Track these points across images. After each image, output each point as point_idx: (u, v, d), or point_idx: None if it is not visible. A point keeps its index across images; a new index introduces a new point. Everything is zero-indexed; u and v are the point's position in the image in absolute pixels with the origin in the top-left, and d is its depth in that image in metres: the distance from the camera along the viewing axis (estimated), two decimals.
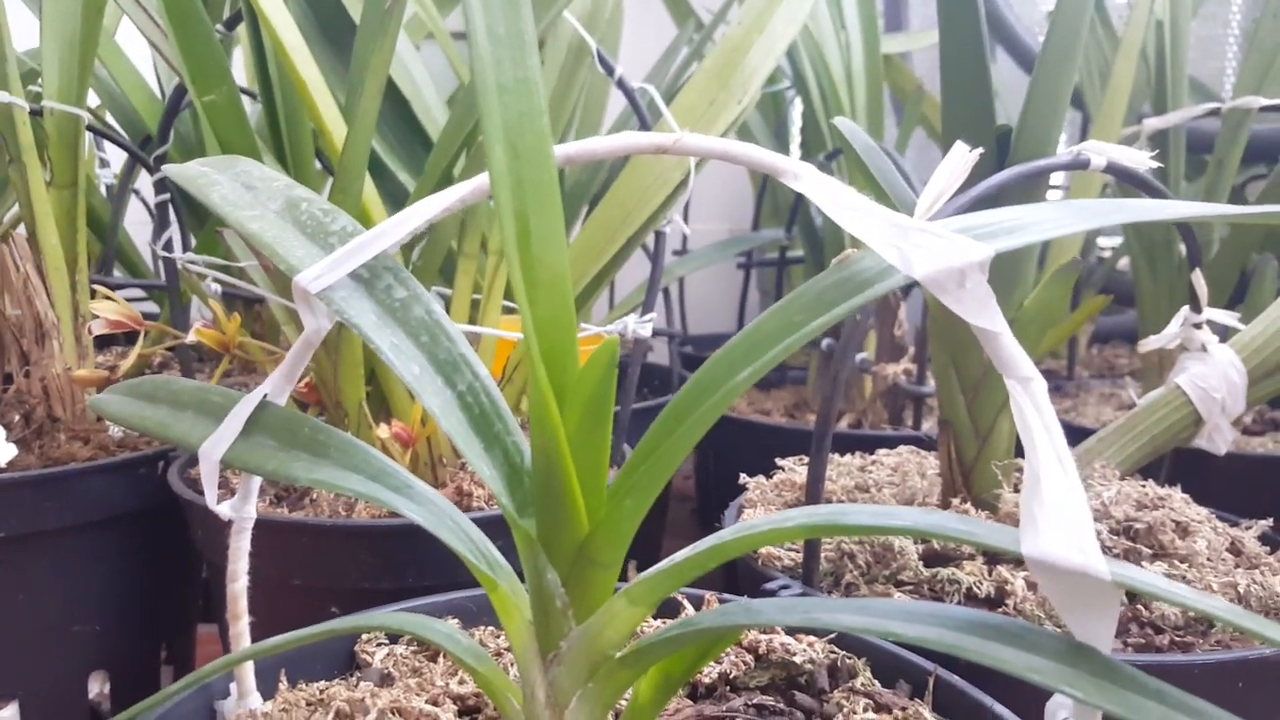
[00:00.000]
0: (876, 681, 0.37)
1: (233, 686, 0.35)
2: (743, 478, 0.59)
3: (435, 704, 0.35)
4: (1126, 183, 0.51)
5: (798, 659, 0.37)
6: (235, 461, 0.29)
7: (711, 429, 0.30)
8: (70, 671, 0.66)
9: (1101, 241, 1.18)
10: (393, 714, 0.33)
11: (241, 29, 0.66)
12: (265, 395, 0.30)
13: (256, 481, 0.32)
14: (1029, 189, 0.49)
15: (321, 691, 0.35)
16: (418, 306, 0.29)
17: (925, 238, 0.27)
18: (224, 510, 0.32)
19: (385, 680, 0.37)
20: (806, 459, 0.61)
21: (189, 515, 0.60)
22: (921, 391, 0.76)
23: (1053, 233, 0.27)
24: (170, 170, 0.37)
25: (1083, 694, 0.23)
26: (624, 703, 0.36)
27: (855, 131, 0.51)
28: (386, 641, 0.41)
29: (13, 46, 0.68)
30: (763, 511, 0.54)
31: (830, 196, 0.29)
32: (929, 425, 0.82)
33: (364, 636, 0.41)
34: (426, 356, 0.29)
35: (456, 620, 0.41)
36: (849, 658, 0.38)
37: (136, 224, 1.18)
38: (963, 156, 0.41)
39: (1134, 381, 1.03)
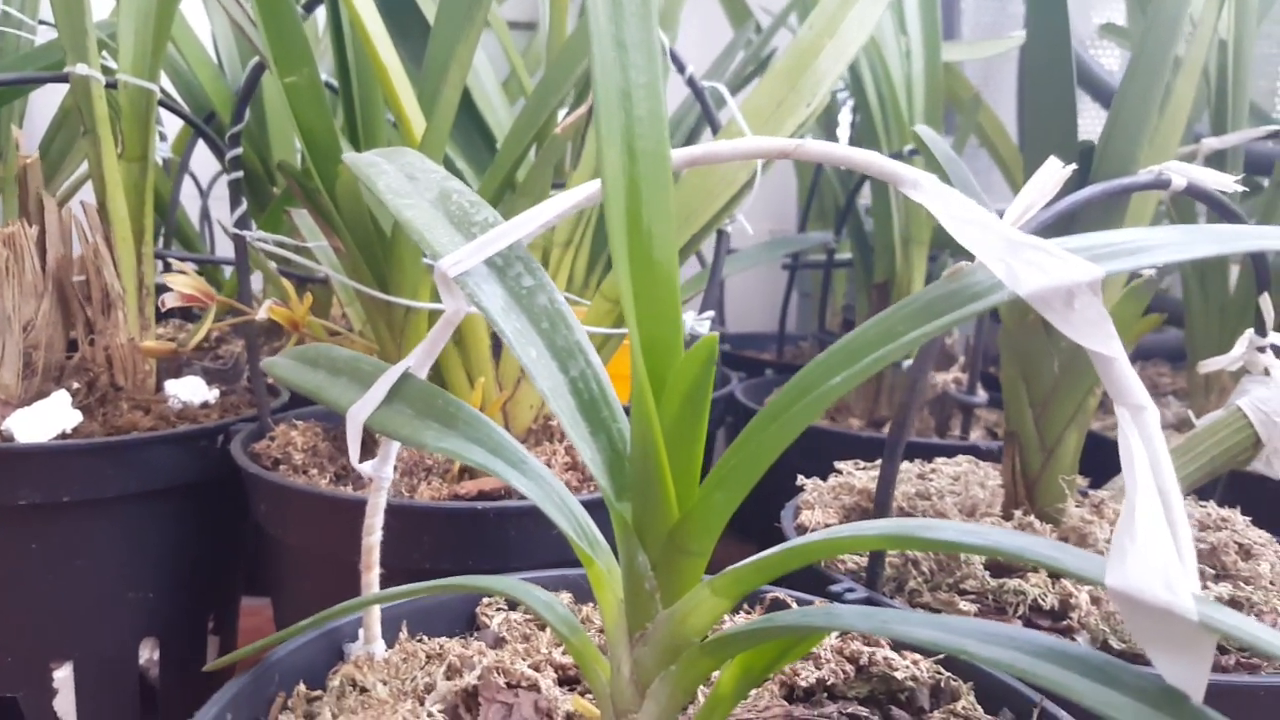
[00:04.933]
0: (979, 707, 0.36)
1: (361, 631, 0.39)
2: (799, 479, 0.59)
3: (536, 669, 0.37)
4: (1206, 204, 0.51)
5: (899, 674, 0.37)
6: (375, 425, 0.31)
7: None
8: (123, 636, 0.67)
9: None
10: (496, 673, 0.35)
11: (320, 14, 0.67)
12: (408, 368, 0.32)
13: (395, 445, 0.34)
14: (1110, 207, 0.49)
15: (441, 646, 0.38)
16: (542, 295, 0.30)
17: (1037, 254, 0.28)
18: (365, 469, 0.35)
19: (498, 643, 0.40)
20: (863, 463, 0.61)
21: (253, 490, 0.61)
22: (972, 401, 0.76)
23: (1176, 256, 0.27)
24: (349, 158, 0.38)
25: None
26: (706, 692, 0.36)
27: (935, 140, 0.51)
28: (505, 607, 0.43)
29: (92, 21, 0.68)
30: (820, 513, 0.54)
31: (948, 207, 0.29)
32: (976, 435, 0.82)
33: (485, 600, 0.43)
34: (545, 342, 0.30)
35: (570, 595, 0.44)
36: (954, 679, 0.37)
37: (186, 198, 1.19)
38: (1054, 171, 0.41)
39: (1177, 401, 1.02)
